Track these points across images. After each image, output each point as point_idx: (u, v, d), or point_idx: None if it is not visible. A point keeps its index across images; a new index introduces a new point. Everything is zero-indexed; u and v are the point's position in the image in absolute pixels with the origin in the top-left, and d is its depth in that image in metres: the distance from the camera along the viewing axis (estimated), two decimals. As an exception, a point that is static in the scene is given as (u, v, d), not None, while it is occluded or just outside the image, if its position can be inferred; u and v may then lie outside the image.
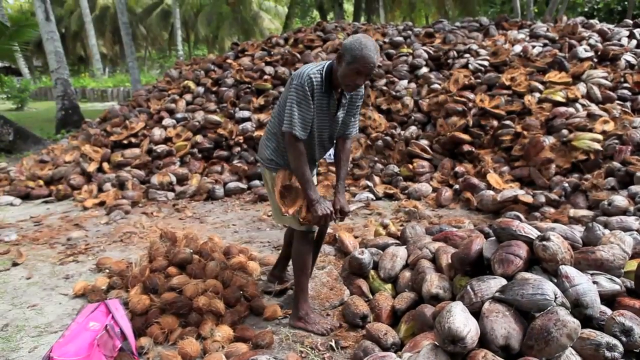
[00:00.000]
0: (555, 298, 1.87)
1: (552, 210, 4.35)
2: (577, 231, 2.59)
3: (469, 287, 2.15)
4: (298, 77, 2.42)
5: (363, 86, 2.59)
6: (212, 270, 3.09)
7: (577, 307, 1.95)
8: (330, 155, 6.24)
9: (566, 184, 4.67)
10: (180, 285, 2.88)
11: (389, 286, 3.01)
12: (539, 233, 2.31)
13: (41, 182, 6.27)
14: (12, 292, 3.36)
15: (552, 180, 4.92)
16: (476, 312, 2.05)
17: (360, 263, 3.05)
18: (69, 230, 4.69)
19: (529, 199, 4.53)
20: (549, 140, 5.28)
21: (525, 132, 5.49)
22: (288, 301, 3.06)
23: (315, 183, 2.77)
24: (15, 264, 3.85)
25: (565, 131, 5.28)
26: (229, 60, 8.01)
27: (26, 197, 6.03)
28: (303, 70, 2.44)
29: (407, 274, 2.98)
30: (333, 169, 6.08)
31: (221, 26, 23.16)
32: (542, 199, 4.48)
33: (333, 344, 2.55)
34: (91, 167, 6.26)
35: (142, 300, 2.79)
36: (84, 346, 2.51)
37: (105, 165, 6.38)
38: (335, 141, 2.82)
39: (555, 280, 2.09)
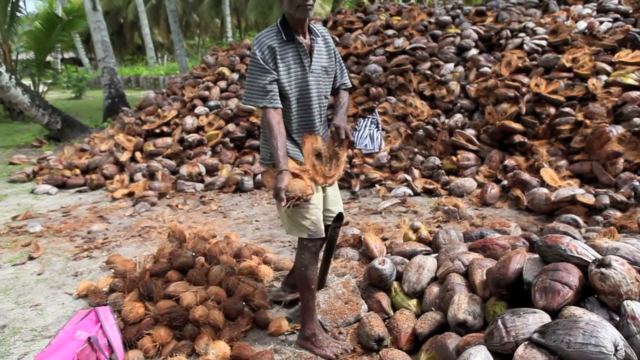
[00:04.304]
0: (616, 351, 1.40)
1: (618, 214, 3.72)
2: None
3: (499, 322, 1.71)
4: (254, 44, 2.25)
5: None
6: (215, 276, 2.81)
7: (646, 360, 1.47)
8: (366, 145, 5.84)
9: (637, 183, 4.00)
10: (177, 293, 2.62)
11: (413, 302, 2.61)
12: (596, 255, 1.82)
13: (78, 171, 6.28)
14: (19, 289, 3.26)
15: (620, 178, 4.24)
16: (508, 355, 1.62)
17: (380, 275, 2.66)
18: (92, 222, 4.59)
19: (589, 199, 3.92)
20: (617, 130, 4.57)
21: (587, 121, 4.79)
22: (299, 313, 2.73)
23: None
24: (31, 258, 3.77)
25: (637, 120, 4.55)
26: (265, 46, 7.68)
27: (62, 186, 6.03)
28: (258, 35, 2.29)
29: (435, 289, 2.57)
30: (369, 160, 5.65)
31: (268, 12, 22.92)
32: (606, 200, 3.85)
33: (340, 371, 2.20)
34: (124, 157, 6.20)
35: (135, 309, 2.55)
36: (67, 358, 2.31)
37: (138, 155, 6.29)
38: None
39: (618, 319, 1.61)
